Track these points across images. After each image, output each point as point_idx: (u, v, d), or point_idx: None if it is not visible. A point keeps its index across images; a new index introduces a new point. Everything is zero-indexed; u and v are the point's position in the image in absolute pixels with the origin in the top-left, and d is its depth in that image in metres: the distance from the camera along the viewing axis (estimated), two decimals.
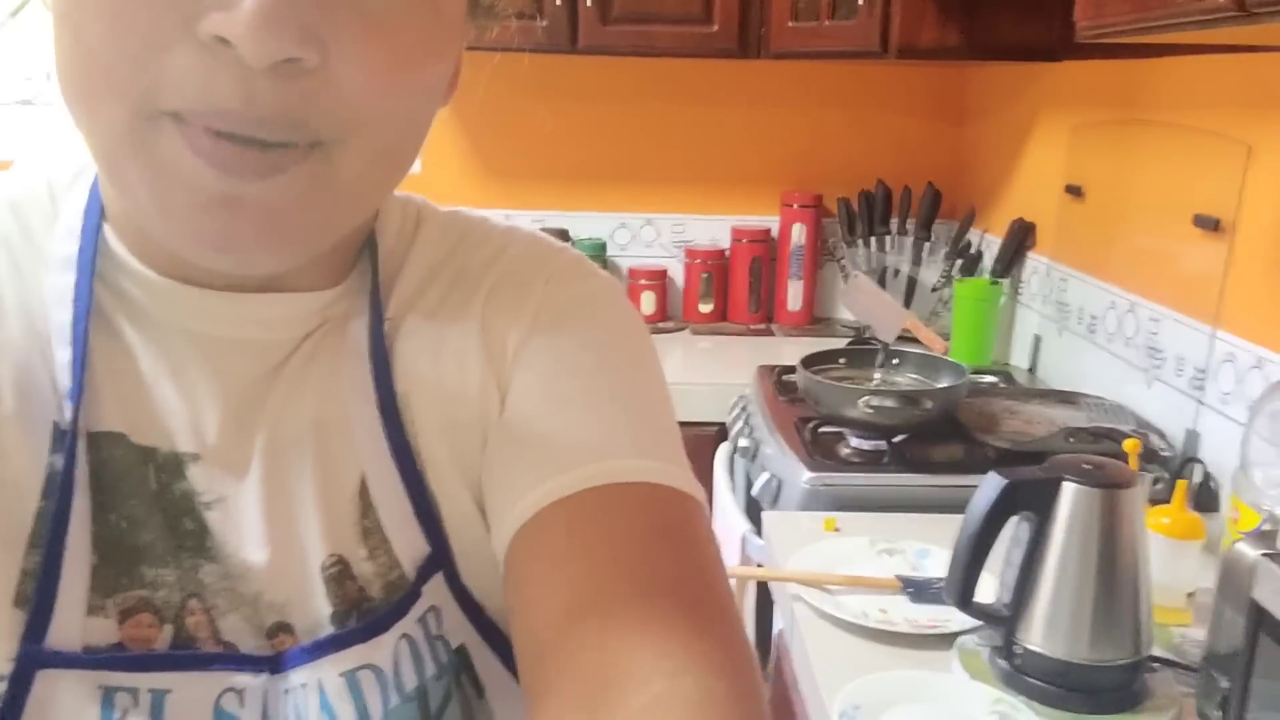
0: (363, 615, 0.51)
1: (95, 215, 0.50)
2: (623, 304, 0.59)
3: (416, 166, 2.10)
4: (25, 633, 0.46)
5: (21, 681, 0.46)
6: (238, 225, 0.41)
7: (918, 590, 1.13)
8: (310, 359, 0.52)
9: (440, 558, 0.52)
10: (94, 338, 0.49)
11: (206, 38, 0.38)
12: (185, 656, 0.49)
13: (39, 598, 0.46)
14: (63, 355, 0.48)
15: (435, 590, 0.52)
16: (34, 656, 0.46)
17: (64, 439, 0.48)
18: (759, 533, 1.42)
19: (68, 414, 0.48)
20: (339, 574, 0.51)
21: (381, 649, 0.50)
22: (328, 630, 0.51)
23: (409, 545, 0.52)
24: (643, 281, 2.41)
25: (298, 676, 0.50)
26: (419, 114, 0.46)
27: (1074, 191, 1.84)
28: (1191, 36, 1.15)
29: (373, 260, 0.54)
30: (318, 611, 0.51)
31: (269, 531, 0.50)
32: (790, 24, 2.01)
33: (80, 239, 0.49)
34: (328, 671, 0.50)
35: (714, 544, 0.50)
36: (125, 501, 0.49)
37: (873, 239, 2.35)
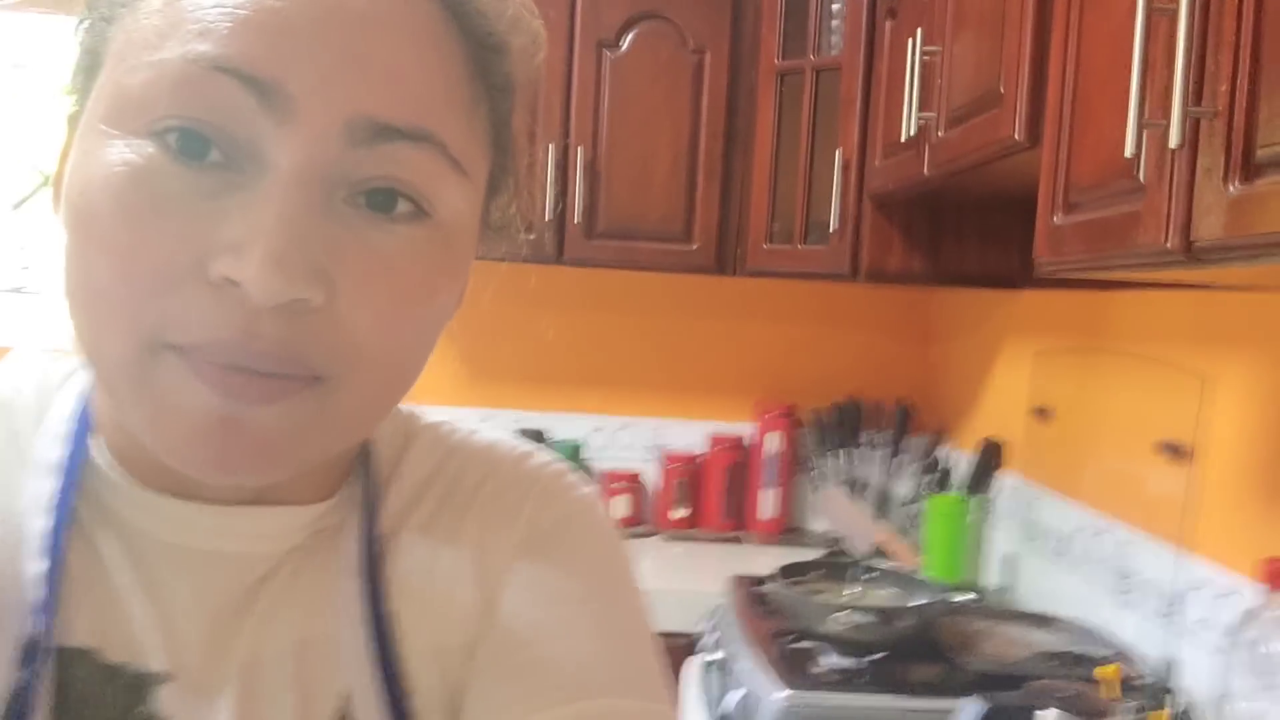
0: None
1: (84, 422, 0.49)
2: (605, 522, 0.59)
3: None
4: None
5: None
6: (236, 447, 0.41)
7: None
8: (297, 573, 0.50)
9: None
10: (71, 549, 0.47)
11: (217, 279, 0.39)
12: None
13: None
14: (36, 566, 0.46)
15: None
16: None
17: (33, 654, 0.45)
18: None
19: (37, 627, 0.45)
20: None
21: None
22: None
23: None
24: (616, 485, 2.42)
25: None
26: (425, 344, 0.47)
27: (1041, 414, 1.89)
28: (1146, 275, 1.23)
29: (365, 475, 0.53)
30: None
31: None
32: (765, 245, 2.12)
33: (66, 445, 0.49)
34: None
35: None
36: None
37: (844, 451, 2.38)
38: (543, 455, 0.59)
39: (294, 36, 0.40)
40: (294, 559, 0.51)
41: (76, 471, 0.48)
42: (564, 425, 2.49)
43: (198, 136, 0.40)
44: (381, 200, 0.42)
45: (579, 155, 2.11)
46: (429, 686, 0.51)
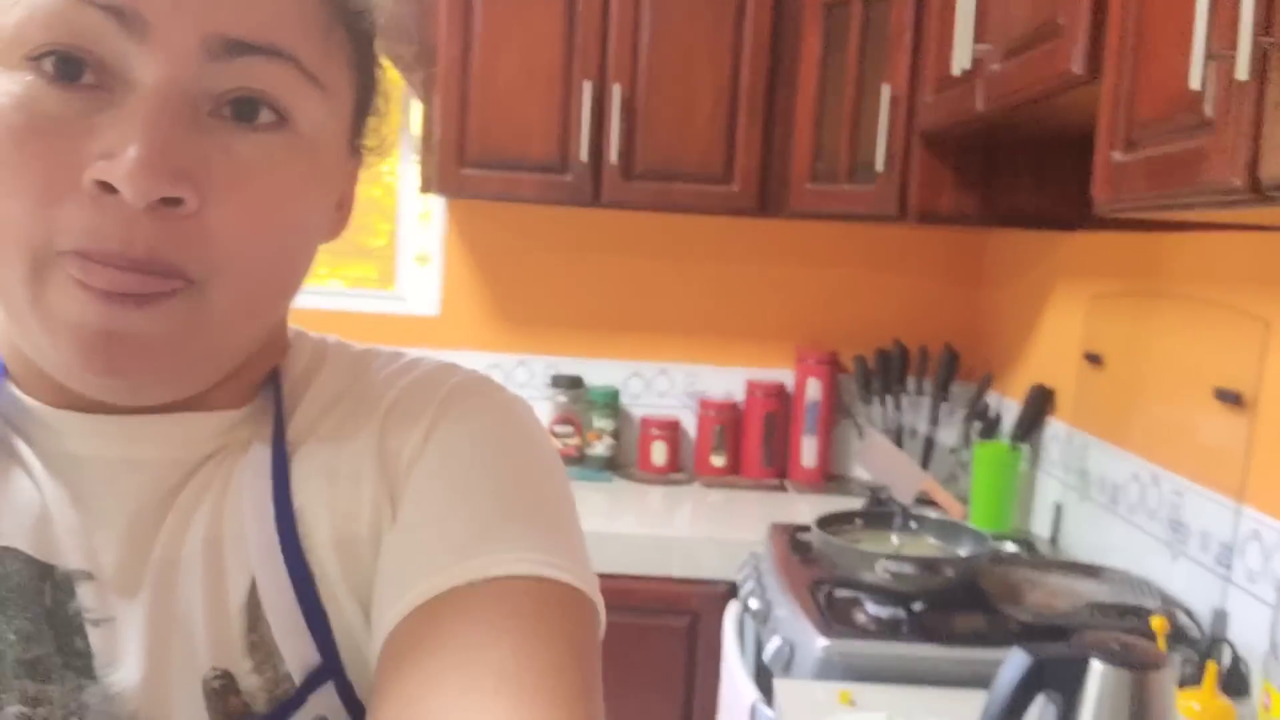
0: None
1: None
2: (524, 414, 0.59)
3: (435, 310, 2.14)
4: None
5: None
6: (120, 355, 0.45)
7: None
8: (208, 481, 0.54)
9: (331, 667, 0.53)
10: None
11: (90, 185, 0.43)
12: None
13: None
14: None
15: (323, 700, 0.52)
16: None
17: None
18: (769, 702, 1.35)
19: None
20: (222, 688, 0.51)
21: None
22: None
23: (299, 655, 0.52)
24: (654, 431, 2.40)
25: None
26: (293, 251, 0.50)
27: (1093, 359, 1.84)
28: (1208, 215, 1.17)
29: (276, 388, 0.57)
30: None
31: (151, 649, 0.51)
32: (809, 186, 2.07)
33: None
34: None
35: (591, 640, 0.50)
36: (19, 616, 0.50)
37: (889, 398, 2.34)
38: (465, 368, 0.61)
39: None
40: (208, 468, 0.54)
41: None
42: (601, 371, 2.48)
43: (70, 60, 0.44)
44: (244, 110, 0.46)
45: (616, 93, 2.06)
46: (332, 575, 0.53)
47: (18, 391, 0.53)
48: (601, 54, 2.08)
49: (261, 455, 0.54)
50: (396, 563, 0.51)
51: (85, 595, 0.51)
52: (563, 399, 2.40)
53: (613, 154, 2.07)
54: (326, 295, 2.45)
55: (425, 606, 0.47)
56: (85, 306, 0.45)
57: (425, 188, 2.23)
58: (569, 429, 2.39)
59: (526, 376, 2.48)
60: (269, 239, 0.48)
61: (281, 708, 0.51)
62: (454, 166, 2.10)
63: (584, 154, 2.06)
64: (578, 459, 2.40)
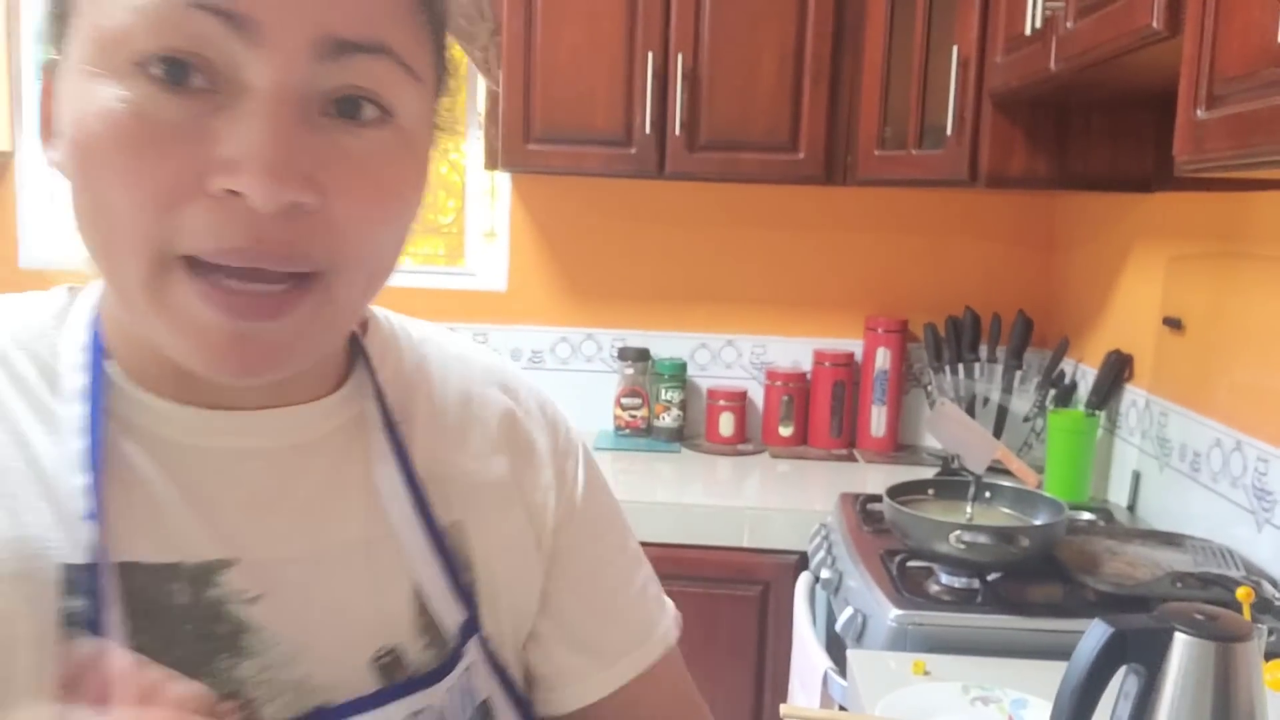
0: (411, 687, 0.55)
1: (97, 350, 0.54)
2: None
3: (502, 285, 2.16)
4: None
5: None
6: (251, 355, 0.47)
7: None
8: (335, 465, 0.56)
9: (475, 620, 0.58)
10: (105, 464, 0.51)
11: (218, 192, 0.44)
12: None
13: None
14: (79, 480, 0.50)
15: (472, 649, 0.58)
16: None
17: (81, 576, 0.48)
18: (842, 672, 1.36)
19: (91, 541, 0.49)
20: (390, 664, 0.55)
21: (432, 698, 0.55)
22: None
23: (451, 614, 0.57)
24: (722, 402, 2.40)
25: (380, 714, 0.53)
26: (402, 236, 0.53)
27: (1173, 324, 1.78)
28: None
29: (367, 365, 0.60)
30: (364, 692, 0.54)
31: (321, 621, 0.53)
32: (877, 152, 2.03)
33: (86, 373, 0.53)
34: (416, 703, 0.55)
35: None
36: (152, 628, 0.50)
37: (960, 366, 2.31)
38: (508, 363, 0.69)
39: None
40: (325, 450, 0.56)
41: (100, 394, 0.52)
42: (667, 343, 2.48)
43: (179, 64, 0.45)
44: (350, 108, 0.48)
45: (679, 63, 2.05)
46: (469, 534, 0.60)
47: (123, 380, 0.53)
48: (664, 23, 2.06)
49: (376, 431, 0.58)
50: (593, 617, 0.65)
51: (231, 580, 0.52)
52: (630, 371, 2.41)
53: (677, 125, 2.06)
54: (398, 273, 2.48)
55: (632, 684, 0.65)
56: (215, 311, 0.46)
57: (491, 164, 2.25)
58: (636, 401, 2.41)
59: (594, 350, 2.49)
60: (386, 229, 0.50)
61: (443, 666, 0.56)
62: (519, 142, 2.11)
63: (648, 126, 2.06)
64: (645, 431, 2.41)
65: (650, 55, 2.05)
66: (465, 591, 0.58)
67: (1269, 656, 1.05)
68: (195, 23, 0.44)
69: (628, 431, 2.41)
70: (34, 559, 0.48)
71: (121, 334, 0.54)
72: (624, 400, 2.41)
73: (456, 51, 2.17)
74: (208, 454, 0.53)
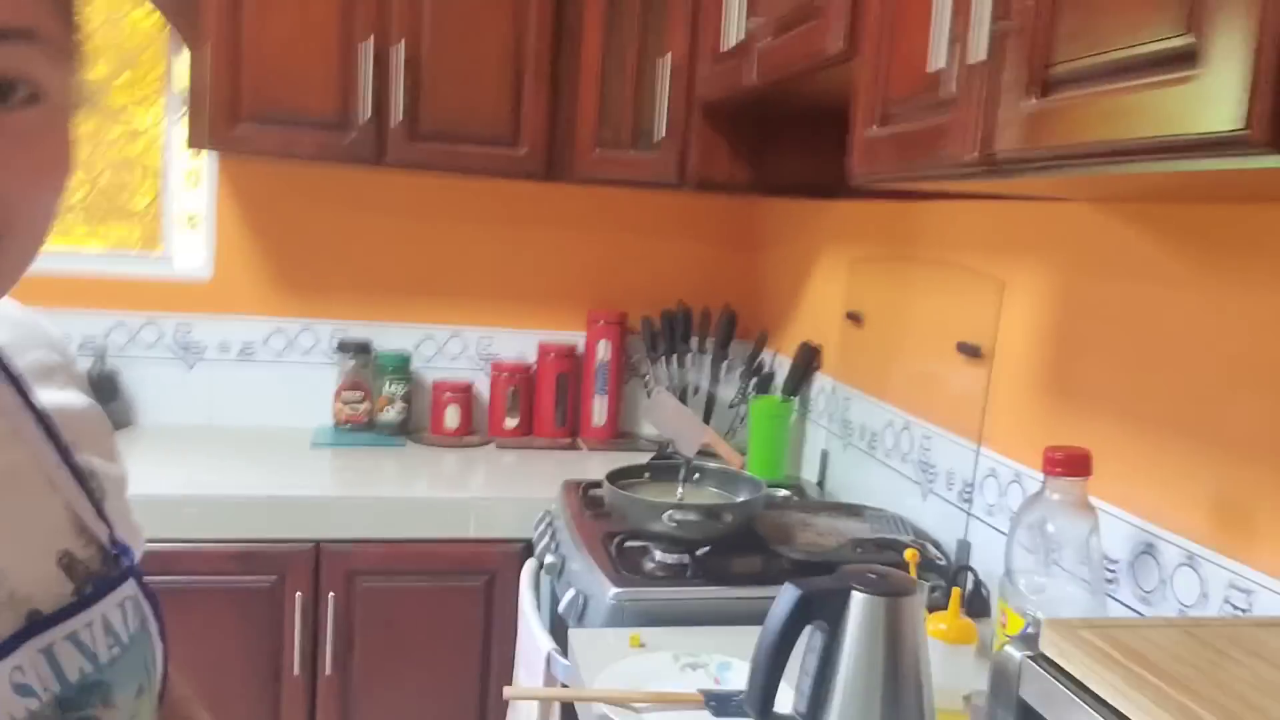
0: (98, 584, 0.61)
1: None
2: None
3: (207, 274, 2.05)
4: None
5: None
6: None
7: (720, 704, 1.15)
8: None
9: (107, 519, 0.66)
10: None
11: None
12: None
13: None
14: None
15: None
16: None
17: None
18: (564, 652, 1.41)
19: None
20: (69, 564, 0.60)
21: (129, 590, 0.63)
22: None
23: (88, 513, 0.63)
24: (447, 395, 2.40)
25: (80, 619, 0.58)
26: (57, 210, 0.54)
27: (854, 318, 1.99)
28: (951, 186, 1.29)
29: None
30: (63, 593, 0.59)
31: (12, 536, 0.58)
32: (595, 151, 2.10)
33: None
34: (104, 609, 0.61)
35: None
36: None
37: (674, 357, 2.44)
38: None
39: None
40: None
41: None
42: (391, 336, 2.44)
43: None
44: (2, 91, 0.49)
45: (401, 49, 2.02)
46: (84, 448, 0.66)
47: None
48: (383, 8, 2.02)
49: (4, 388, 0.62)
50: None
51: None
52: (351, 364, 2.34)
53: (400, 112, 2.02)
54: (85, 260, 2.27)
55: None
56: None
57: (195, 144, 2.11)
58: (358, 395, 2.35)
59: (312, 341, 2.40)
60: (45, 201, 0.52)
61: (116, 558, 0.63)
62: (226, 122, 1.99)
63: (368, 111, 2.01)
64: (368, 425, 2.36)
65: (369, 39, 2.00)
66: (92, 494, 0.64)
67: (932, 609, 1.20)
68: None
69: (349, 426, 2.35)
70: None
71: None
72: (345, 394, 2.34)
73: (153, 21, 2.00)
74: None
